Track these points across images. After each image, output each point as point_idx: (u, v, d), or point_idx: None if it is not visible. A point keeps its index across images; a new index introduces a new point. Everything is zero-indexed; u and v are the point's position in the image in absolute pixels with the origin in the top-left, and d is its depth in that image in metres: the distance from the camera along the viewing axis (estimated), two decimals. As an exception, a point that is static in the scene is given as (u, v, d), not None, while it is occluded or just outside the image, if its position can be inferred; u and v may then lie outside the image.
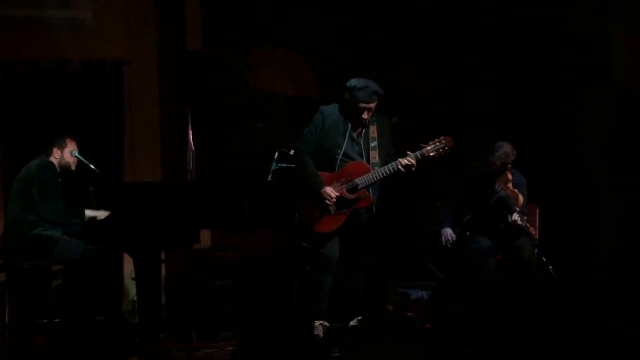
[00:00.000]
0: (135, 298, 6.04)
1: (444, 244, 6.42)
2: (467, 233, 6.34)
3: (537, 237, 6.44)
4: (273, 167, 6.26)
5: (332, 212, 5.52)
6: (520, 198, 6.17)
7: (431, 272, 7.02)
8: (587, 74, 7.64)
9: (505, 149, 6.17)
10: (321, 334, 5.48)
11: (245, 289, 5.94)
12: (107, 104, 7.21)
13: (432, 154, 5.55)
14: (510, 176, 6.20)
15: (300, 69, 7.83)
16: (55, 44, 7.13)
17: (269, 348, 5.15)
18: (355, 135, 5.60)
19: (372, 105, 5.53)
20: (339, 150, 5.55)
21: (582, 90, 7.69)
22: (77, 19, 7.17)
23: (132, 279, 5.64)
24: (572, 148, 7.73)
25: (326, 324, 5.56)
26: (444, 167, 5.82)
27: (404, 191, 6.41)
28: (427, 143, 5.58)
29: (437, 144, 5.56)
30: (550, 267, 6.49)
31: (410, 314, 6.06)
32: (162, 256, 5.81)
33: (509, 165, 6.20)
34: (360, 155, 5.59)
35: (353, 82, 5.53)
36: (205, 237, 6.65)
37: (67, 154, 5.93)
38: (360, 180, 5.52)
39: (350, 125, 5.57)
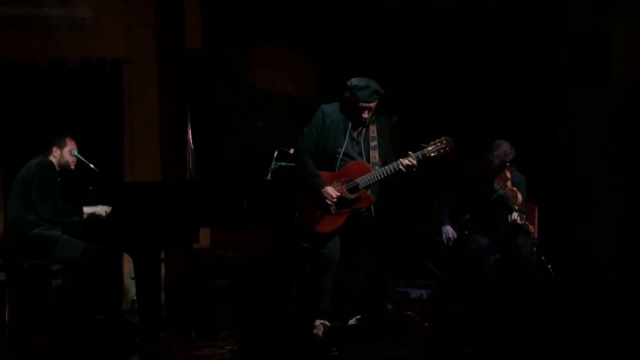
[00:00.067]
0: (135, 297, 6.04)
1: (445, 242, 6.42)
2: (466, 232, 6.34)
3: (536, 236, 6.44)
4: (272, 166, 6.26)
5: (333, 212, 5.53)
6: (519, 197, 6.18)
7: (430, 271, 7.03)
8: (586, 73, 7.63)
9: (504, 147, 6.17)
10: (320, 333, 5.48)
11: (245, 289, 5.95)
12: (106, 103, 7.21)
13: (433, 154, 5.56)
14: (509, 175, 6.20)
15: (300, 68, 7.83)
16: (55, 43, 7.14)
17: (268, 347, 5.15)
18: (355, 134, 5.61)
19: (373, 104, 5.54)
20: (340, 150, 5.56)
21: (581, 89, 7.68)
22: (76, 18, 7.18)
23: (132, 278, 5.64)
24: (571, 147, 7.73)
25: (327, 323, 5.57)
26: (443, 166, 5.83)
27: (403, 190, 6.41)
28: (427, 143, 5.59)
29: (438, 144, 5.57)
30: (549, 266, 6.50)
31: (409, 313, 6.06)
32: (162, 255, 5.81)
33: (508, 164, 6.20)
34: (361, 154, 5.59)
35: (354, 81, 5.54)
36: (205, 237, 6.67)
37: (66, 153, 5.92)
38: (361, 180, 5.53)
39: (350, 124, 5.58)
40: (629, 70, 7.37)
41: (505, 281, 6.12)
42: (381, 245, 5.75)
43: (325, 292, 5.58)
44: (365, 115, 5.54)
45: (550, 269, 6.51)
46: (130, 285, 6.27)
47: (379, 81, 5.59)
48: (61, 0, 7.12)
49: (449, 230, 6.44)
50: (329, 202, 5.49)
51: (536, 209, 6.64)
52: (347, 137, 5.56)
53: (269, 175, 6.19)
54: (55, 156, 5.90)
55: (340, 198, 5.52)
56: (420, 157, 5.55)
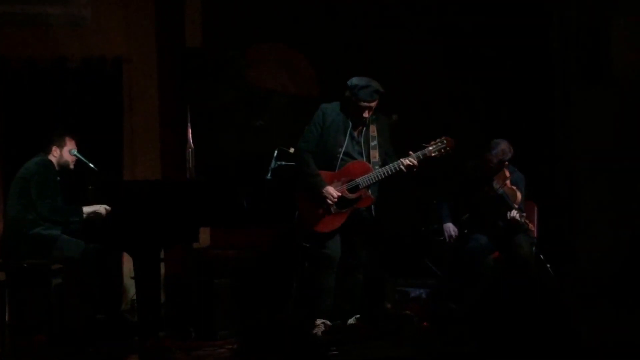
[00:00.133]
0: (134, 297, 6.05)
1: (447, 239, 6.41)
2: (465, 231, 6.34)
3: (535, 234, 6.44)
4: (272, 165, 6.26)
5: (333, 212, 5.53)
6: (518, 195, 6.18)
7: (429, 270, 7.03)
8: (587, 71, 7.61)
9: (502, 146, 6.16)
10: (319, 333, 5.49)
11: (244, 288, 5.95)
12: (106, 101, 7.19)
13: (433, 154, 5.57)
14: (507, 173, 6.20)
15: (300, 66, 7.82)
16: (55, 41, 7.12)
17: (268, 346, 5.15)
18: (356, 134, 5.61)
19: (374, 104, 5.54)
20: (340, 149, 5.56)
21: (582, 87, 7.66)
22: (76, 17, 7.16)
23: (132, 277, 5.64)
24: (571, 146, 7.72)
25: (328, 322, 5.58)
26: (442, 165, 5.83)
27: (402, 190, 6.42)
28: (428, 143, 5.59)
29: (439, 144, 5.58)
30: (548, 265, 6.50)
31: (408, 312, 6.07)
32: (162, 255, 5.81)
33: (506, 163, 6.20)
34: (361, 154, 5.60)
35: (355, 80, 5.54)
36: (205, 236, 6.67)
37: (65, 153, 5.92)
38: (361, 180, 5.53)
39: (350, 124, 5.58)
40: (630, 68, 7.33)
41: (504, 280, 6.12)
42: (380, 244, 5.76)
43: (326, 292, 5.58)
44: (366, 114, 5.54)
45: (549, 268, 6.51)
46: (130, 285, 6.28)
47: (379, 80, 5.59)
48: (61, -1, 7.14)
49: (450, 228, 6.43)
50: (330, 201, 5.49)
51: (535, 208, 6.64)
52: (347, 137, 5.57)
53: (269, 175, 6.18)
54: (54, 155, 5.90)
55: (340, 198, 5.53)
56: (421, 157, 5.55)
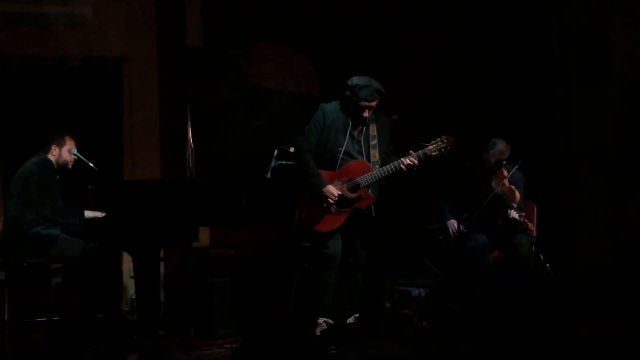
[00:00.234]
0: (134, 296, 6.06)
1: (452, 235, 6.39)
2: (465, 230, 6.34)
3: (535, 234, 6.44)
4: (272, 164, 6.25)
5: (333, 211, 5.53)
6: (517, 194, 6.17)
7: (429, 269, 7.03)
8: (587, 70, 7.60)
9: (499, 146, 6.16)
10: (318, 332, 5.49)
11: (244, 287, 5.95)
12: (107, 101, 7.20)
13: (434, 153, 5.56)
14: (506, 173, 6.20)
15: (301, 65, 7.83)
16: (55, 41, 7.13)
17: (267, 346, 5.15)
18: (355, 133, 5.61)
19: (374, 103, 5.53)
20: (340, 149, 5.55)
21: (582, 86, 7.65)
22: (77, 16, 7.17)
23: (131, 277, 5.65)
24: (571, 145, 7.71)
25: (330, 321, 5.58)
26: (441, 165, 5.83)
27: (402, 189, 6.41)
28: (428, 142, 5.58)
29: (439, 143, 5.57)
30: (548, 265, 6.50)
31: (407, 311, 6.07)
32: (162, 254, 5.82)
33: (504, 162, 6.19)
34: (361, 153, 5.59)
35: (355, 80, 5.53)
36: (205, 235, 6.68)
37: (65, 152, 5.93)
38: (362, 179, 5.53)
39: (350, 123, 5.58)
40: (630, 68, 7.32)
41: (503, 279, 6.12)
42: (380, 243, 5.76)
43: (328, 291, 5.58)
44: (366, 114, 5.54)
45: (549, 268, 6.51)
46: (130, 284, 6.29)
47: (379, 79, 5.59)
48: (61, -2, 7.14)
49: (454, 224, 6.42)
50: (330, 201, 5.49)
51: (535, 208, 6.64)
52: (347, 136, 5.56)
53: (269, 174, 6.18)
54: (53, 154, 5.90)
55: (341, 197, 5.52)
56: (422, 156, 5.54)
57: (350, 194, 5.54)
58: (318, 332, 5.48)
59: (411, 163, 5.50)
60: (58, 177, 5.84)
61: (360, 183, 5.53)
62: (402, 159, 5.52)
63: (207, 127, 6.78)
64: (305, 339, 5.16)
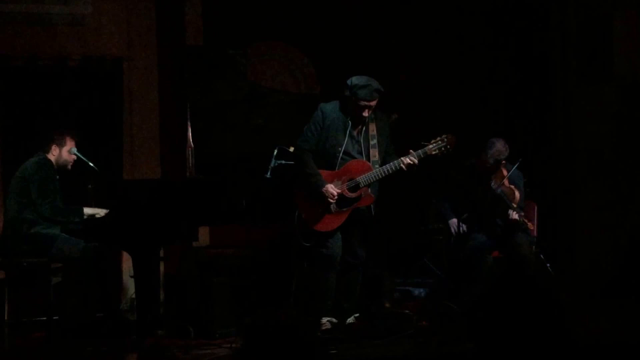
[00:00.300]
0: (133, 295, 6.06)
1: (454, 233, 6.39)
2: (464, 230, 6.34)
3: (535, 234, 6.44)
4: (272, 164, 6.24)
5: (333, 211, 5.53)
6: (517, 194, 6.17)
7: (429, 269, 7.03)
8: (588, 68, 7.58)
9: (498, 146, 6.15)
10: (321, 332, 5.48)
11: (243, 287, 5.95)
12: (106, 100, 7.20)
13: (434, 152, 5.54)
14: (505, 172, 6.19)
15: (301, 65, 7.83)
16: (55, 40, 7.12)
17: (266, 345, 5.14)
18: (355, 133, 5.60)
19: (373, 103, 5.53)
20: (340, 149, 5.55)
21: (583, 84, 7.63)
22: (77, 15, 7.16)
23: (131, 276, 5.64)
24: (571, 145, 7.71)
25: (334, 320, 5.58)
26: (441, 165, 5.82)
27: (401, 189, 6.41)
28: (429, 141, 5.58)
29: (440, 142, 5.55)
30: (548, 265, 6.50)
31: (407, 311, 6.07)
32: (161, 254, 5.82)
33: (503, 162, 6.19)
34: (360, 153, 5.59)
35: (354, 80, 5.52)
36: (204, 235, 6.68)
37: (65, 152, 5.92)
38: (362, 179, 5.52)
39: (350, 123, 5.57)
40: (631, 66, 7.30)
41: (503, 279, 6.11)
42: (379, 243, 5.76)
43: (329, 291, 5.58)
44: (366, 113, 5.53)
45: (549, 268, 6.51)
46: (129, 284, 6.29)
47: (379, 79, 5.58)
48: (61, -3, 7.13)
49: (455, 223, 6.41)
50: (330, 200, 5.49)
51: (535, 207, 6.63)
52: (347, 136, 5.56)
53: (269, 173, 6.18)
54: (53, 154, 5.89)
55: (341, 196, 5.52)
56: (422, 155, 5.53)
57: (350, 194, 5.54)
58: (322, 332, 5.47)
59: (411, 162, 5.49)
60: (58, 176, 5.83)
61: (360, 182, 5.53)
62: (402, 158, 5.51)
63: (206, 126, 6.77)
64: (305, 339, 5.15)
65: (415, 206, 7.32)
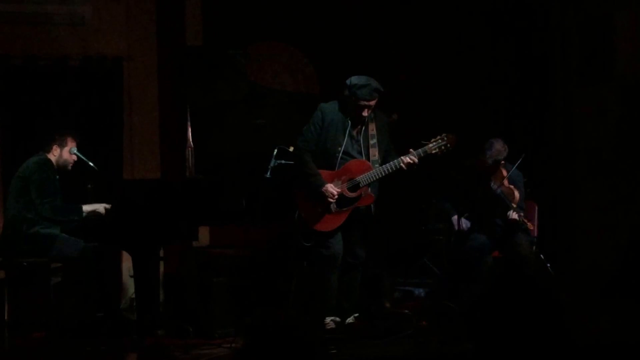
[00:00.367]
0: (133, 295, 6.06)
1: (457, 229, 6.38)
2: (464, 230, 6.33)
3: (535, 234, 6.44)
4: (271, 163, 6.24)
5: (333, 210, 5.53)
6: (516, 194, 6.16)
7: (429, 269, 7.03)
8: (590, 67, 7.57)
9: (496, 146, 6.14)
10: (325, 332, 5.48)
11: (243, 286, 5.95)
12: (106, 100, 7.20)
13: (434, 151, 5.54)
14: (504, 173, 6.19)
15: (300, 64, 7.83)
16: (55, 40, 7.13)
17: (266, 345, 5.14)
18: (355, 133, 5.60)
19: (373, 103, 5.53)
20: (339, 148, 5.55)
21: (584, 84, 7.63)
22: (77, 15, 7.17)
23: (131, 276, 5.65)
24: (571, 145, 7.71)
25: (337, 319, 5.58)
26: (441, 164, 5.82)
27: (401, 188, 6.41)
28: (429, 140, 5.57)
29: (439, 141, 5.55)
30: (548, 265, 6.50)
31: (406, 310, 6.07)
32: (161, 253, 5.82)
33: (503, 162, 6.19)
34: (360, 153, 5.59)
35: (354, 79, 5.52)
36: (204, 235, 6.68)
37: (65, 153, 5.92)
38: (362, 178, 5.52)
39: (350, 122, 5.57)
40: (632, 66, 7.29)
41: (503, 279, 6.10)
42: (379, 243, 5.75)
43: (331, 290, 5.58)
44: (365, 113, 5.53)
45: (549, 268, 6.50)
46: (129, 283, 6.29)
47: (379, 79, 5.58)
48: (61, -3, 7.14)
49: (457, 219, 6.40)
50: (330, 200, 5.48)
51: (536, 208, 6.63)
52: (346, 136, 5.56)
53: (268, 173, 6.18)
54: (54, 154, 5.90)
55: (341, 196, 5.52)
56: (422, 155, 5.53)
57: (350, 194, 5.54)
58: (326, 331, 5.47)
59: (411, 161, 5.49)
60: (58, 176, 5.83)
61: (360, 182, 5.53)
62: (402, 157, 5.51)
63: (206, 126, 6.77)
64: (305, 339, 5.15)
65: (415, 206, 7.31)
